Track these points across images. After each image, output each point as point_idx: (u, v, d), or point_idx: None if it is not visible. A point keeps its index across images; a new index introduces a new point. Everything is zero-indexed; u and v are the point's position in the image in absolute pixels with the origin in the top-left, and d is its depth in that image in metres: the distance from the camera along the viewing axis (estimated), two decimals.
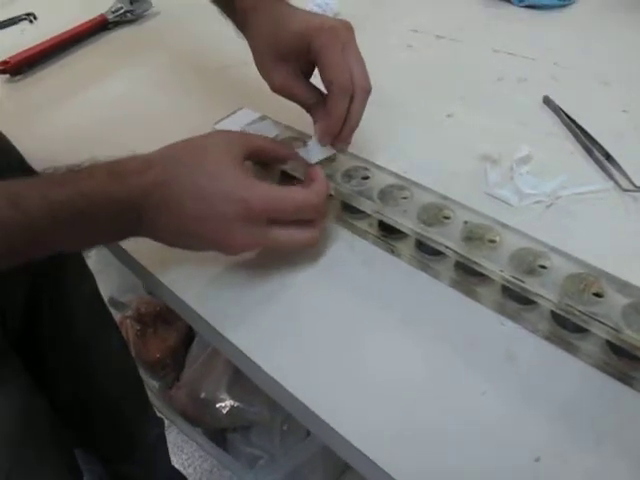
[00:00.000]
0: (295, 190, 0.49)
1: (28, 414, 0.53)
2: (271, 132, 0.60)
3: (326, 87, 0.54)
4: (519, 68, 0.75)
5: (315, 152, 0.56)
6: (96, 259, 1.26)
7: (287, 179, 0.57)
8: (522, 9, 0.88)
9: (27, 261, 0.44)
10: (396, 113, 0.70)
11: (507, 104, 0.69)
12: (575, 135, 0.62)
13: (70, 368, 0.73)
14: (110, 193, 0.44)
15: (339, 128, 0.55)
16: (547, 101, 0.67)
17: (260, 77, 0.59)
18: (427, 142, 0.65)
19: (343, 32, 0.54)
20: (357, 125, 0.55)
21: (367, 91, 0.54)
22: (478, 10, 0.91)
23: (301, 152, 0.56)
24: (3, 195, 0.41)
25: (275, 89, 0.58)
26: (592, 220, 0.53)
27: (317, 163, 0.55)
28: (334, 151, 0.56)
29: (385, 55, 0.82)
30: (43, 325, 0.68)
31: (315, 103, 0.57)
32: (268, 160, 0.55)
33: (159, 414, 1.03)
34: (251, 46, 0.59)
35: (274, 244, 0.49)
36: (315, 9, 0.88)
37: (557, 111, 0.66)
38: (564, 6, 0.88)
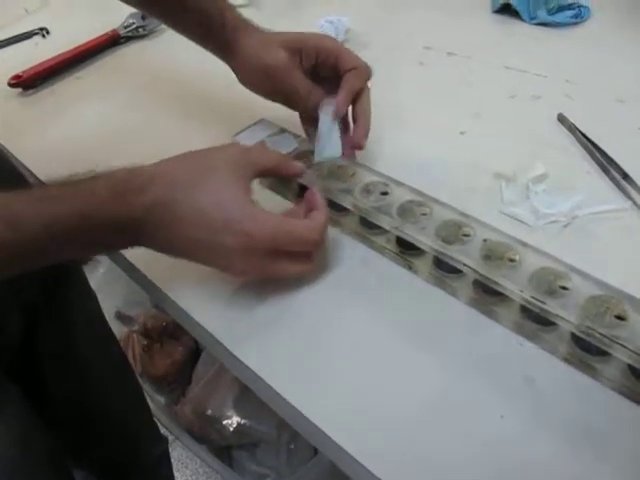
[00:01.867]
0: (297, 225, 0.49)
1: (26, 438, 0.52)
2: (290, 145, 0.60)
3: (345, 72, 0.58)
4: (532, 85, 0.75)
5: (323, 148, 0.58)
6: (104, 272, 1.26)
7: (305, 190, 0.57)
8: (534, 26, 0.88)
9: (24, 271, 0.44)
10: (409, 130, 0.69)
11: (521, 122, 0.69)
12: (591, 153, 0.62)
13: (70, 388, 0.72)
14: (110, 213, 0.44)
15: (350, 102, 0.59)
16: (562, 119, 0.67)
17: None
18: (441, 159, 0.64)
19: None
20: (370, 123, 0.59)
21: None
22: (490, 27, 0.91)
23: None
24: (1, 216, 0.40)
25: (278, 69, 0.59)
26: (610, 240, 0.52)
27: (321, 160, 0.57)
28: (340, 152, 0.58)
29: (397, 72, 0.82)
30: (42, 347, 0.67)
31: (315, 92, 0.60)
32: (278, 177, 0.55)
33: (164, 430, 1.02)
34: (244, 57, 0.60)
35: (271, 274, 0.50)
36: (326, 25, 0.88)
37: (572, 129, 0.65)
38: (576, 23, 0.88)
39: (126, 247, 0.48)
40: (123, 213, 0.44)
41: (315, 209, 0.50)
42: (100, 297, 1.20)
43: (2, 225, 0.40)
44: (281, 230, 0.47)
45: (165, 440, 0.91)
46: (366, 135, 0.59)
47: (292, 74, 0.59)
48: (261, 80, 0.61)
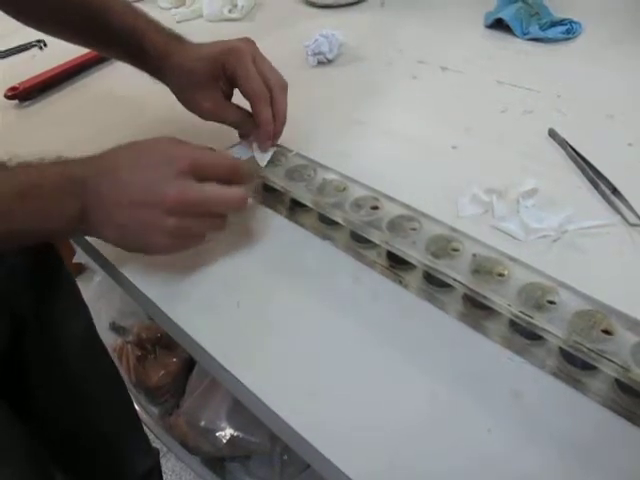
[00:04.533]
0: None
1: (6, 459, 0.52)
2: (245, 154, 0.62)
3: (247, 98, 0.60)
4: (524, 100, 0.76)
5: (261, 157, 0.61)
6: (98, 282, 1.26)
7: (270, 191, 0.60)
8: (527, 42, 0.90)
9: None
10: (400, 144, 0.70)
11: (512, 136, 0.69)
12: (581, 168, 0.62)
13: (57, 402, 0.70)
14: (56, 177, 0.51)
15: (272, 130, 0.60)
16: (552, 134, 0.68)
17: None
18: (432, 174, 0.64)
19: (247, 47, 0.60)
20: (285, 119, 0.61)
21: (284, 86, 0.60)
22: (483, 42, 0.92)
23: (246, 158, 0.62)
24: None
25: (205, 115, 0.64)
26: (599, 255, 0.53)
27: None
28: (274, 148, 0.62)
29: (390, 86, 0.83)
30: (29, 359, 0.66)
31: (244, 121, 0.63)
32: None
33: (156, 442, 1.02)
34: (172, 86, 0.66)
35: (207, 198, 0.50)
36: (321, 40, 0.89)
37: (563, 144, 0.66)
38: (568, 39, 0.89)
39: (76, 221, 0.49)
40: (67, 172, 0.51)
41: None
42: (95, 308, 1.20)
43: None
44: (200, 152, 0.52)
45: (156, 453, 0.89)
46: (278, 134, 0.62)
47: (222, 113, 0.63)
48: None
